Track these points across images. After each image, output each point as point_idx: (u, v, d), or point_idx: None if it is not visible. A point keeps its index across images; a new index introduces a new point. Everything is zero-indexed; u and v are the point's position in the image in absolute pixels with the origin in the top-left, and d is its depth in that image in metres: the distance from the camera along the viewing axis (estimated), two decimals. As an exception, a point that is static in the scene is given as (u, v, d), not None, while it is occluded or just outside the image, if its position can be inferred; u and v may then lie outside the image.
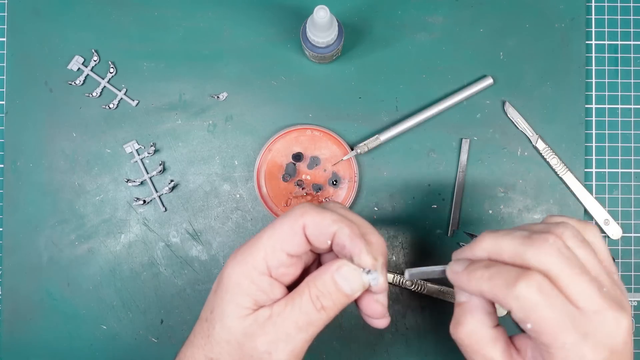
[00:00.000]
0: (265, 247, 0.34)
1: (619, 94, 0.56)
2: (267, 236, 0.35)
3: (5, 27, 0.55)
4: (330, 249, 0.36)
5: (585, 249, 0.33)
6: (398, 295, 0.54)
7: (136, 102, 0.55)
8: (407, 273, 0.39)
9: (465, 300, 0.35)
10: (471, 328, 0.34)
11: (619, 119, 0.56)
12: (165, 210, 0.55)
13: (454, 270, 0.35)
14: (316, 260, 0.39)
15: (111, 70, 0.54)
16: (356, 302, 0.37)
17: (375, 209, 0.55)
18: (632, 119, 0.56)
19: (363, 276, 0.35)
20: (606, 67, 0.56)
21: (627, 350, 0.32)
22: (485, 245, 0.34)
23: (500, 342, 0.34)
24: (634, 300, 0.55)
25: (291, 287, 0.36)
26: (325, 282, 0.34)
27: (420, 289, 0.53)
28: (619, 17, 0.56)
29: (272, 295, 0.35)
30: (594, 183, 0.55)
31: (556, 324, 0.30)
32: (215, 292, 0.36)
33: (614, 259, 0.39)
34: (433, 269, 0.37)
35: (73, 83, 0.54)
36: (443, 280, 0.53)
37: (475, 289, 0.33)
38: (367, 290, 0.36)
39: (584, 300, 0.31)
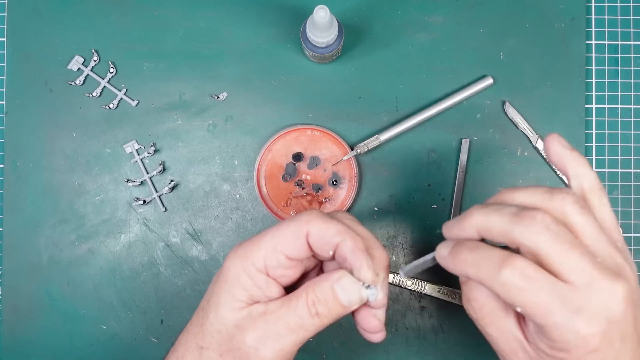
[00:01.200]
0: (266, 246, 0.35)
1: (619, 94, 0.56)
2: (269, 236, 0.35)
3: (5, 27, 0.55)
4: (333, 259, 0.36)
5: (584, 216, 0.32)
6: (398, 295, 0.54)
7: (136, 102, 0.55)
8: (402, 272, 0.39)
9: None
10: (482, 302, 0.34)
11: (619, 119, 0.56)
12: (165, 210, 0.55)
13: (440, 255, 0.35)
14: (318, 266, 0.39)
15: (111, 70, 0.54)
16: (353, 313, 0.37)
17: (375, 209, 0.55)
18: (632, 119, 0.56)
19: (362, 290, 0.34)
20: (606, 67, 0.56)
21: (629, 318, 0.31)
22: (474, 221, 0.33)
23: (512, 310, 0.34)
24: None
25: (289, 289, 0.36)
26: (324, 290, 0.34)
27: (421, 288, 0.53)
28: (619, 17, 0.56)
29: (268, 293, 0.35)
30: (594, 183, 0.55)
31: (545, 306, 0.30)
32: (215, 282, 0.37)
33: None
34: (424, 259, 0.37)
35: (73, 83, 0.54)
36: (443, 280, 0.53)
37: (461, 273, 0.33)
38: (365, 304, 0.36)
39: (575, 274, 0.30)
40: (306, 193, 0.54)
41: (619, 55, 0.56)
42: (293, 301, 0.35)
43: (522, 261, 0.30)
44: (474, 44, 0.55)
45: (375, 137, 0.53)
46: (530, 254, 0.31)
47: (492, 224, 0.32)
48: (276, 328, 0.34)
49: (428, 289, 0.53)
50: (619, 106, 0.56)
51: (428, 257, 0.37)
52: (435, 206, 0.55)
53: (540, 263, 0.31)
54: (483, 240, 0.34)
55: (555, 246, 0.30)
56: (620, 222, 0.55)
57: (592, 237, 0.32)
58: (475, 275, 0.32)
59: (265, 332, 0.34)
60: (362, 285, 0.34)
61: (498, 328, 0.34)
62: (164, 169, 0.55)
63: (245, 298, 0.35)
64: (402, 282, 0.53)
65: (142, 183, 0.54)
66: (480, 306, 0.34)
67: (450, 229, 0.35)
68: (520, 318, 0.34)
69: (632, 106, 0.56)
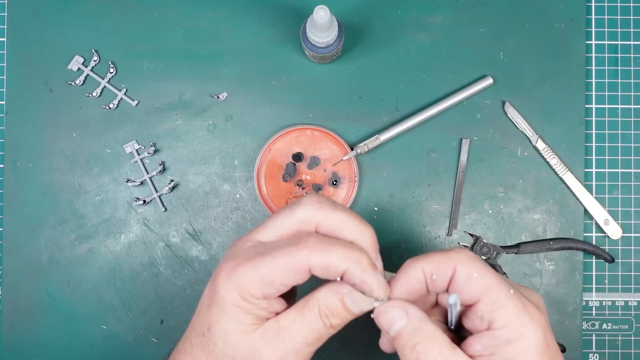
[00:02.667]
0: (263, 277, 0.33)
1: (619, 94, 0.56)
2: (267, 267, 0.33)
3: (5, 27, 0.55)
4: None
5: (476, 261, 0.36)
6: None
7: (136, 102, 0.55)
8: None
9: (406, 322, 0.34)
10: (431, 340, 0.33)
11: (619, 119, 0.56)
12: (165, 210, 0.55)
13: (392, 290, 0.35)
14: None
15: (111, 70, 0.54)
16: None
17: (375, 209, 0.55)
18: (632, 119, 0.56)
19: (374, 302, 0.34)
20: (606, 67, 0.56)
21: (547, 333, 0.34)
22: (410, 262, 0.35)
23: (455, 345, 0.33)
24: (634, 300, 0.55)
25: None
26: (336, 304, 0.34)
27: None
28: (619, 17, 0.56)
29: (273, 309, 0.34)
30: (594, 183, 0.55)
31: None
32: (210, 307, 0.34)
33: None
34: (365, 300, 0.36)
35: (73, 83, 0.55)
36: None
37: (416, 272, 0.34)
38: None
39: (502, 296, 0.33)
40: (306, 193, 0.54)
41: (619, 55, 0.56)
42: (306, 315, 0.34)
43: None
44: (474, 44, 0.55)
45: (375, 137, 0.53)
46: (464, 274, 0.34)
47: (430, 258, 0.34)
48: (294, 345, 0.33)
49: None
50: (619, 106, 0.56)
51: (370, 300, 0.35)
52: (435, 206, 0.55)
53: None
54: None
55: (484, 267, 0.34)
56: (620, 222, 0.55)
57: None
58: (431, 262, 0.34)
59: (284, 351, 0.33)
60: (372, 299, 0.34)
61: None
62: (164, 169, 0.55)
63: (253, 321, 0.34)
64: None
65: (142, 183, 0.54)
66: (430, 348, 0.33)
67: (396, 284, 0.35)
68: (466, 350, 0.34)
69: (632, 106, 0.56)
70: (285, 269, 0.33)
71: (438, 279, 0.34)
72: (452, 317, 0.35)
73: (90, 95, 0.55)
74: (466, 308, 0.35)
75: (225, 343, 0.34)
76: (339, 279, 0.33)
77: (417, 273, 0.34)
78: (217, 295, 0.34)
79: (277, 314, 0.35)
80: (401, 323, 0.34)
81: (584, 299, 0.55)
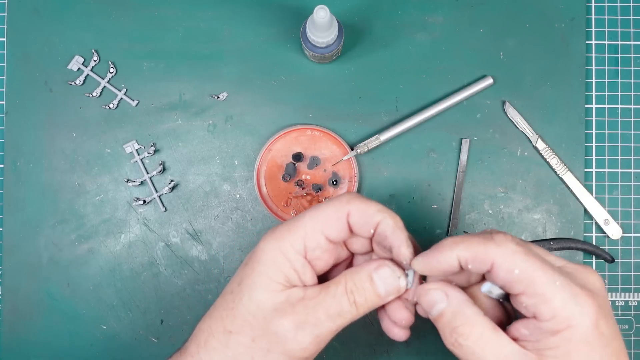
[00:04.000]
0: (305, 227, 0.34)
1: (619, 94, 0.56)
2: (309, 217, 0.35)
3: (5, 27, 0.55)
4: (370, 242, 0.36)
5: (525, 246, 0.34)
6: (398, 295, 0.54)
7: (136, 102, 0.55)
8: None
9: (446, 305, 0.33)
10: (471, 324, 0.33)
11: (619, 119, 0.56)
12: (165, 210, 0.55)
13: (419, 260, 0.34)
14: (347, 260, 0.39)
15: (111, 70, 0.54)
16: (384, 307, 0.37)
17: (375, 209, 0.55)
18: (632, 119, 0.56)
19: (401, 280, 0.35)
20: (606, 67, 0.56)
21: (607, 315, 0.32)
22: (447, 251, 0.34)
23: (499, 328, 0.33)
24: (634, 300, 0.55)
25: (320, 280, 0.36)
26: (362, 279, 0.34)
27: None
28: (619, 17, 0.56)
29: (303, 277, 0.35)
30: (594, 183, 0.55)
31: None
32: (246, 264, 0.35)
33: None
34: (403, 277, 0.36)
35: (73, 83, 0.55)
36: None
37: (450, 257, 0.33)
38: (399, 297, 0.36)
39: (548, 287, 0.32)
40: (306, 193, 0.54)
41: (619, 55, 0.56)
42: (332, 288, 0.34)
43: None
44: (474, 44, 0.55)
45: (375, 137, 0.53)
46: (504, 270, 0.32)
47: (468, 245, 0.33)
48: (316, 314, 0.34)
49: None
50: (619, 106, 0.56)
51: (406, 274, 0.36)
52: (435, 206, 0.55)
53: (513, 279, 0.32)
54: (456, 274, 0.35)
55: (528, 259, 0.32)
56: (620, 222, 0.55)
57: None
58: (468, 249, 0.32)
59: (305, 317, 0.34)
60: (400, 275, 0.35)
61: (493, 348, 0.32)
62: (164, 169, 0.55)
63: (283, 280, 0.34)
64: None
65: (142, 183, 0.54)
66: (470, 331, 0.33)
67: (427, 259, 0.34)
68: (508, 330, 0.34)
69: (632, 106, 0.56)
70: (326, 215, 0.34)
71: (474, 269, 0.33)
72: (493, 296, 0.35)
73: (90, 95, 0.55)
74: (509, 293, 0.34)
75: (250, 298, 0.34)
76: (372, 231, 0.34)
77: (451, 259, 0.33)
78: (256, 250, 0.35)
79: (305, 285, 0.35)
80: (442, 305, 0.34)
81: (584, 299, 0.55)
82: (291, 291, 0.34)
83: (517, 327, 0.33)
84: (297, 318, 0.34)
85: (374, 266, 0.35)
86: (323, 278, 0.37)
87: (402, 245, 0.34)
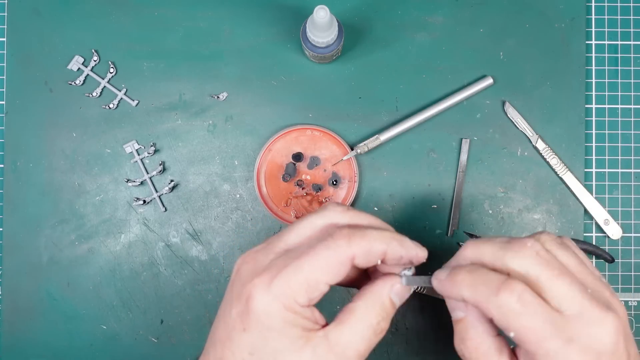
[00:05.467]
0: (307, 279, 0.31)
1: (619, 94, 0.56)
2: (308, 267, 0.31)
3: (5, 27, 0.55)
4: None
5: (565, 251, 0.33)
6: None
7: (136, 102, 0.55)
8: (404, 279, 0.39)
9: (464, 315, 0.34)
10: (477, 341, 0.34)
11: (619, 119, 0.56)
12: (165, 210, 0.55)
13: (438, 278, 0.34)
14: None
15: (111, 70, 0.54)
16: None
17: (375, 209, 0.55)
18: (632, 119, 0.56)
19: (412, 288, 0.35)
20: (606, 67, 0.56)
21: (620, 351, 0.31)
22: (468, 253, 0.34)
23: (505, 350, 0.34)
24: (634, 300, 0.55)
25: None
26: (385, 305, 0.34)
27: (420, 289, 0.53)
28: (619, 17, 0.56)
29: (314, 319, 0.33)
30: (594, 183, 0.55)
31: (538, 332, 0.30)
32: (248, 330, 0.32)
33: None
34: (422, 278, 0.37)
35: (73, 83, 0.55)
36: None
37: (458, 294, 0.33)
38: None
39: (566, 303, 0.31)
40: (306, 193, 0.54)
41: (619, 55, 0.56)
42: (358, 326, 0.33)
43: (521, 285, 0.31)
44: (474, 44, 0.55)
45: (375, 137, 0.53)
46: (520, 279, 0.31)
47: (484, 251, 0.33)
48: (347, 358, 0.32)
49: (428, 289, 0.53)
50: (619, 106, 0.56)
51: (426, 277, 0.36)
52: (435, 206, 0.55)
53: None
54: None
55: (546, 272, 0.31)
56: (620, 222, 0.55)
57: (578, 271, 0.33)
58: (472, 296, 0.32)
59: None
60: (407, 279, 0.35)
61: None
62: (164, 169, 0.55)
63: (301, 334, 0.32)
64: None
65: (142, 183, 0.54)
66: (476, 346, 0.34)
67: (447, 265, 0.35)
68: (513, 357, 0.34)
69: (632, 106, 0.56)
70: (328, 264, 0.31)
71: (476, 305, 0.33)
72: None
73: (90, 95, 0.55)
74: None
75: None
76: (379, 261, 0.33)
77: (458, 298, 0.33)
78: (256, 313, 0.31)
79: (320, 324, 0.33)
80: (460, 314, 0.34)
81: (584, 299, 0.55)
82: (314, 342, 0.32)
83: (521, 353, 0.34)
84: None
85: (388, 287, 0.34)
86: None
87: (417, 252, 0.35)
